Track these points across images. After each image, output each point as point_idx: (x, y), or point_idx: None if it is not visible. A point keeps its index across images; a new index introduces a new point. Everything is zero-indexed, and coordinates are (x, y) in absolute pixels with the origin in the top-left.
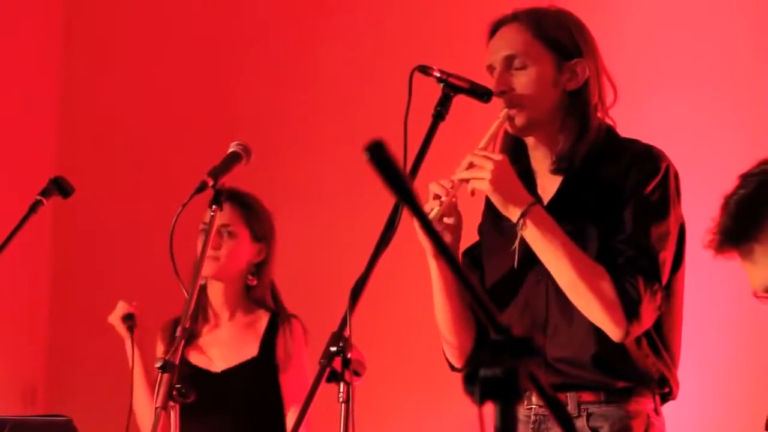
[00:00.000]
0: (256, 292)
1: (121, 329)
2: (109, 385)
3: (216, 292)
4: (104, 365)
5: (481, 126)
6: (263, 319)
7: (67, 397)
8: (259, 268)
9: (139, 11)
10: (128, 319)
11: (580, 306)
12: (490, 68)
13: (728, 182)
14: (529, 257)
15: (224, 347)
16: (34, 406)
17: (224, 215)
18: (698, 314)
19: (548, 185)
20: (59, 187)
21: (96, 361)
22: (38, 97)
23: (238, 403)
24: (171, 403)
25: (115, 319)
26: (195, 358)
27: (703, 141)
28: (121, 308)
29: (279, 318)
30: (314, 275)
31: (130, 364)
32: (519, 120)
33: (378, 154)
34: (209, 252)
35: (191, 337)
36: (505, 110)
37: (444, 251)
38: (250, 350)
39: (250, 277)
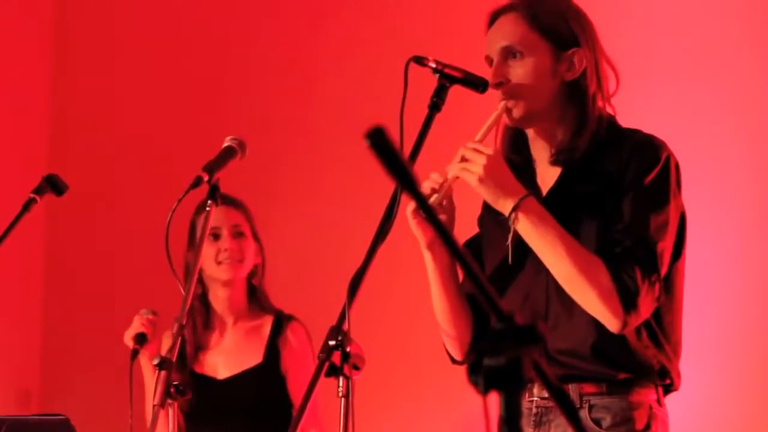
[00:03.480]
0: (260, 294)
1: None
2: (103, 386)
3: (219, 299)
4: (98, 366)
5: (479, 116)
6: (267, 323)
7: (61, 399)
8: (259, 271)
9: (133, 6)
10: (138, 340)
11: (577, 297)
12: (488, 59)
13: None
14: (527, 249)
15: (229, 354)
16: (28, 408)
17: (233, 216)
18: (696, 305)
19: (548, 176)
20: (53, 184)
21: (90, 362)
22: (29, 94)
23: (244, 411)
24: (169, 401)
25: (128, 339)
26: (200, 366)
27: (702, 132)
28: (134, 327)
29: (281, 322)
30: (312, 269)
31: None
32: (516, 112)
33: (378, 139)
34: (231, 254)
35: (197, 348)
36: (503, 102)
37: (444, 235)
38: (255, 357)
39: (254, 280)
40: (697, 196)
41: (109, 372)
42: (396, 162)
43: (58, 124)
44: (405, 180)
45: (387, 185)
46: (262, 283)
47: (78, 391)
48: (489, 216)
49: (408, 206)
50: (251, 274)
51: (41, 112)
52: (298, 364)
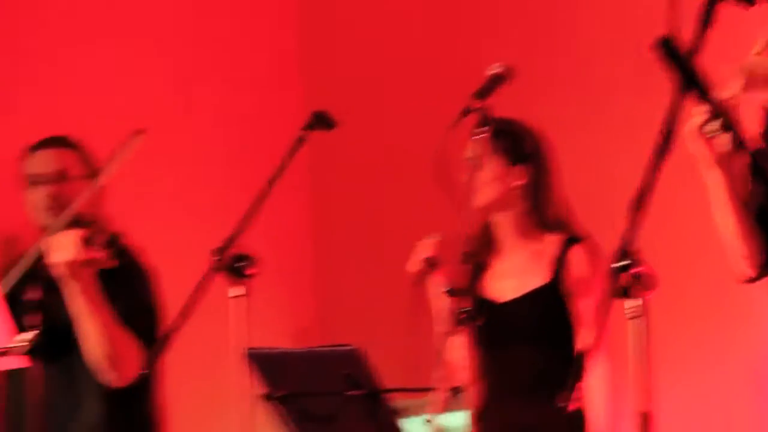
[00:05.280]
0: (544, 213)
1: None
2: (377, 318)
3: (499, 223)
4: (370, 301)
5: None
6: (554, 244)
7: (338, 336)
8: (531, 191)
9: None
10: (426, 264)
11: None
12: None
13: None
14: None
15: (513, 276)
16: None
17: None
18: None
19: None
20: (322, 120)
21: (363, 297)
22: (281, 39)
23: (529, 333)
24: (459, 328)
25: (414, 264)
26: (484, 290)
27: None
28: (419, 252)
29: (569, 241)
30: (599, 188)
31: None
32: None
33: (668, 46)
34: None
35: (481, 270)
36: None
37: (738, 139)
38: (539, 278)
39: (528, 201)
40: None
41: (380, 307)
42: (686, 67)
43: (312, 63)
44: (696, 84)
45: None
46: (541, 205)
47: (354, 325)
48: None
49: (687, 124)
50: (520, 197)
51: (293, 55)
52: (581, 286)
